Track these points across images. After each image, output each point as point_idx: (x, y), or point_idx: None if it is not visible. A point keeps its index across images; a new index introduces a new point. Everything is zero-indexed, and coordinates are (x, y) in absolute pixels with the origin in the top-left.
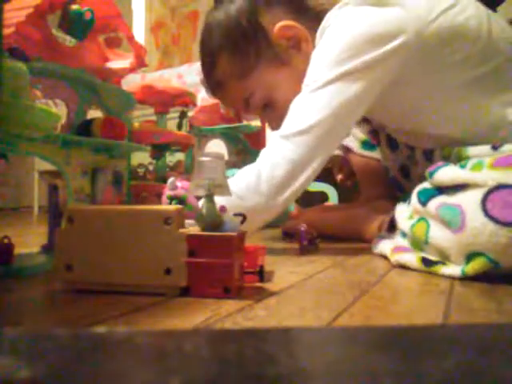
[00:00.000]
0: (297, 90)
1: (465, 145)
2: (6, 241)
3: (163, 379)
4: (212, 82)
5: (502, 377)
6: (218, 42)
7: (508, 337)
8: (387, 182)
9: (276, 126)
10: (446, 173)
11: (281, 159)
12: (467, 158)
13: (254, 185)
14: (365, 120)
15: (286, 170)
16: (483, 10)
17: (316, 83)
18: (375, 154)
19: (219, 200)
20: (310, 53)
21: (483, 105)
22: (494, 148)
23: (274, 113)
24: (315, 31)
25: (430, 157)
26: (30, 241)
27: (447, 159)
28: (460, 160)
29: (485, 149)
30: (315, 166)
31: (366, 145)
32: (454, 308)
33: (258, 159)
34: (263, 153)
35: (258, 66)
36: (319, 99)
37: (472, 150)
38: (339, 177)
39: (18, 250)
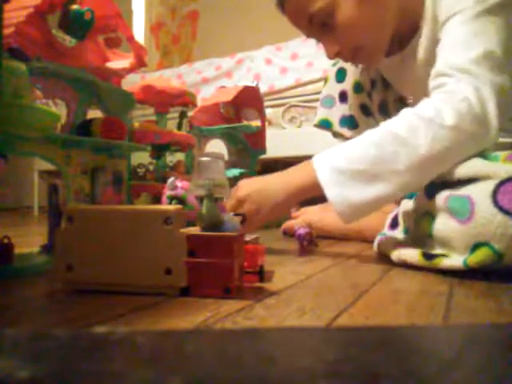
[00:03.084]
0: (360, 15)
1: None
2: (6, 241)
3: (163, 379)
4: None
5: (502, 377)
6: None
7: (508, 337)
8: None
9: (331, 52)
10: (460, 165)
11: (479, 82)
12: (489, 150)
13: (467, 113)
14: (385, 112)
15: (490, 93)
16: None
17: (472, 11)
18: None
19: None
20: None
21: None
22: None
23: (332, 36)
24: None
25: None
26: (30, 241)
27: None
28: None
29: (508, 143)
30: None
31: None
32: (453, 308)
33: (449, 91)
34: (459, 81)
35: None
36: (486, 27)
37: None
38: None
39: (18, 250)
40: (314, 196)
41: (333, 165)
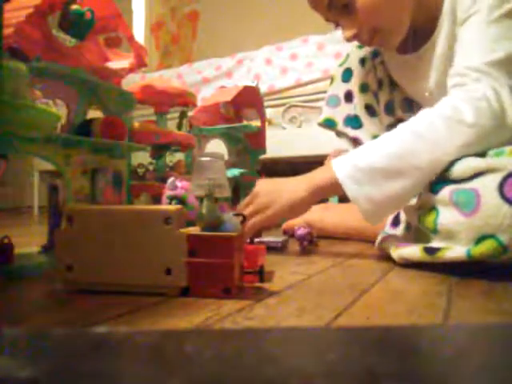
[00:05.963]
0: None
1: None
2: (6, 241)
3: (163, 379)
4: None
5: (502, 377)
6: None
7: (508, 337)
8: None
9: (349, 34)
10: (466, 163)
11: (497, 84)
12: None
13: (485, 110)
14: (391, 112)
15: (508, 95)
16: None
17: (491, 14)
18: None
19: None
20: None
21: None
22: None
23: (351, 18)
24: None
25: None
26: (29, 241)
27: None
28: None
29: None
30: None
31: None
32: (453, 308)
33: (469, 90)
34: (478, 81)
35: None
36: (507, 32)
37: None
38: None
39: (18, 250)
40: (333, 195)
41: (351, 163)
